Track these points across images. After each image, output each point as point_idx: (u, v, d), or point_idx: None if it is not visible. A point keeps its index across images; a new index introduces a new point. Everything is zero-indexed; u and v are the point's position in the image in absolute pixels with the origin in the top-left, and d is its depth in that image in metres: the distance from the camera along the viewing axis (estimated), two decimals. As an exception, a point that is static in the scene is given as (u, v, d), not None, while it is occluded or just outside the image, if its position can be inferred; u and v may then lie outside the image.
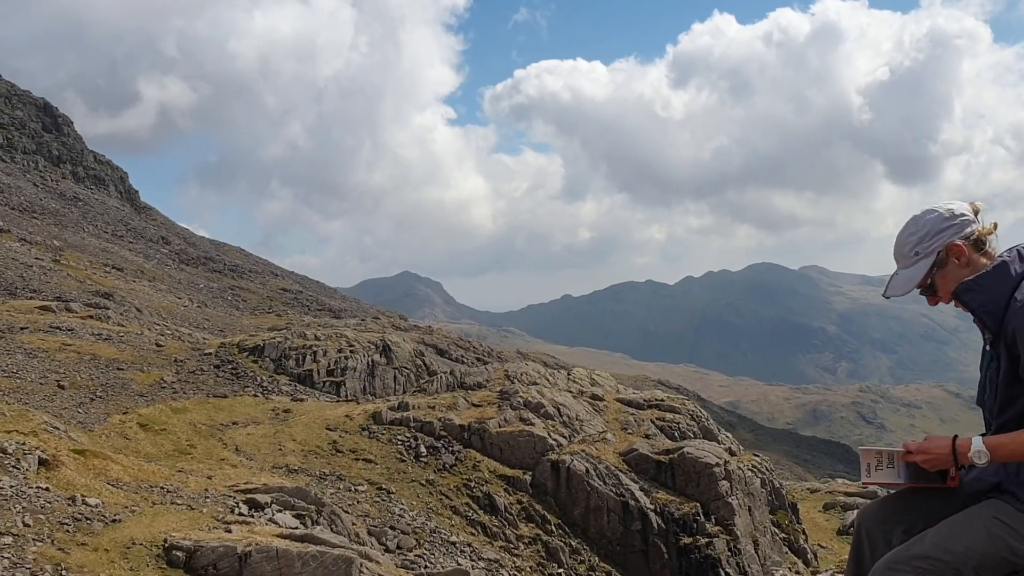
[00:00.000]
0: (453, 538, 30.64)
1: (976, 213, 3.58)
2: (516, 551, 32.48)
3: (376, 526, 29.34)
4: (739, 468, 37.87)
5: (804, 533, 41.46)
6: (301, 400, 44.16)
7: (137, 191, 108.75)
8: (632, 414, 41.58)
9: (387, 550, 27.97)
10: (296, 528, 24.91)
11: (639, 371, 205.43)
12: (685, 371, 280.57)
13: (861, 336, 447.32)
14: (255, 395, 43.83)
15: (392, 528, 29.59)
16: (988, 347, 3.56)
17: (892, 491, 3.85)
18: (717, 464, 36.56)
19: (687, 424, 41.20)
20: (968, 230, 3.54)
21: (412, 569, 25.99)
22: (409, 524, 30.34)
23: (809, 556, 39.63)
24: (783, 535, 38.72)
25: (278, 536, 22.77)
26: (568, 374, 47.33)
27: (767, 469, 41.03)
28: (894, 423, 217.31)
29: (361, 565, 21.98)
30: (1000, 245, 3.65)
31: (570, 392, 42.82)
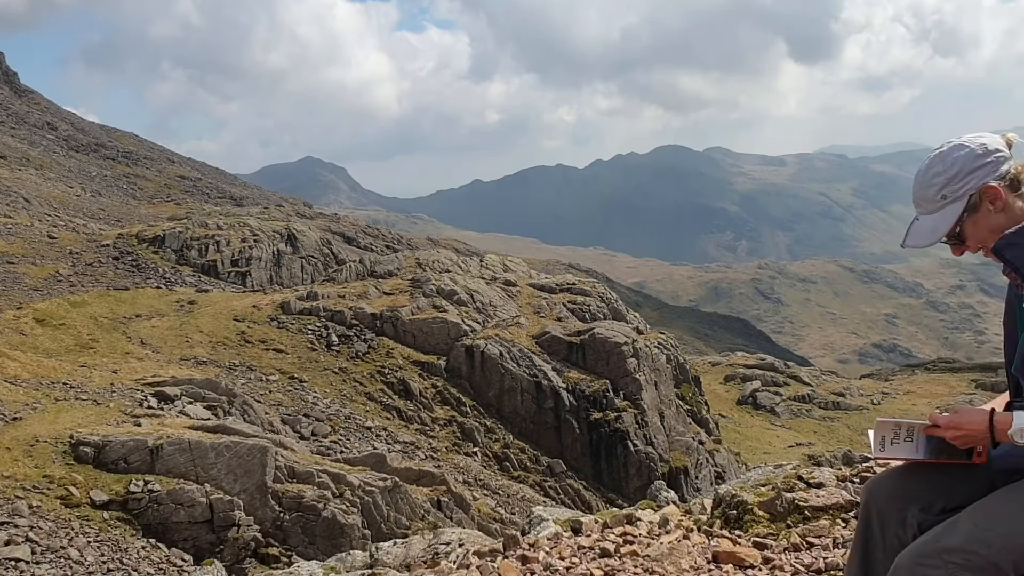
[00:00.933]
0: (368, 423, 30.92)
1: (1010, 146, 3.08)
2: (432, 433, 33.07)
3: (290, 414, 29.31)
4: (646, 346, 39.07)
5: (706, 404, 43.43)
6: (206, 291, 43.16)
7: (16, 73, 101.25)
8: (544, 298, 42.13)
9: (302, 437, 28.05)
10: (208, 419, 24.65)
11: (550, 255, 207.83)
12: (595, 254, 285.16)
13: (761, 215, 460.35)
14: (158, 287, 42.57)
15: (306, 416, 29.62)
16: None
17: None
18: (625, 343, 37.62)
19: (597, 306, 42.02)
20: (1004, 168, 3.01)
21: (328, 455, 26.18)
22: (323, 411, 30.42)
23: (711, 426, 41.65)
24: (687, 407, 40.45)
25: (190, 428, 22.49)
26: (481, 261, 47.40)
27: (672, 346, 42.46)
28: (790, 298, 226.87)
29: (276, 453, 21.96)
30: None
31: (483, 278, 42.97)
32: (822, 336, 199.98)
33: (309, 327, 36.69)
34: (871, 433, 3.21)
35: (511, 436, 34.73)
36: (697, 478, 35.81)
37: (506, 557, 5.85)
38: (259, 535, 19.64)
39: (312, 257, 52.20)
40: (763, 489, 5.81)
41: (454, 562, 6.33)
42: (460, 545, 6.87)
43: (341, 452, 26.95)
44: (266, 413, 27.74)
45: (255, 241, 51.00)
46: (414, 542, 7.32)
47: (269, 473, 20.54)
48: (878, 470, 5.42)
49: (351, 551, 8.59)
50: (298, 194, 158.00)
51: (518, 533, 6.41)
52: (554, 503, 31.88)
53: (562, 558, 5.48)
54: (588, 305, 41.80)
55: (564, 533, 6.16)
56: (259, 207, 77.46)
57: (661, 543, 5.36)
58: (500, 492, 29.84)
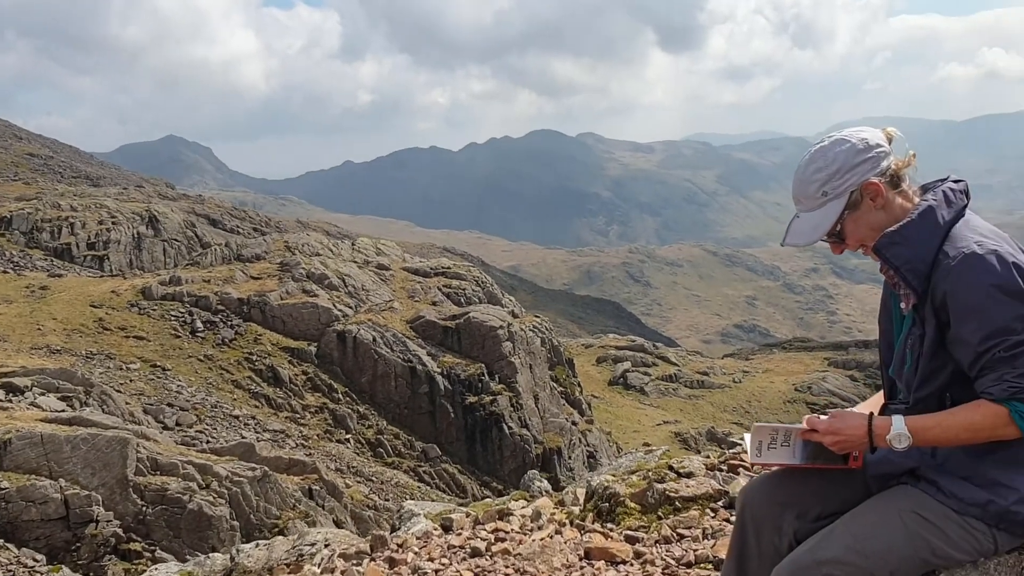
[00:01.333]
0: (236, 412, 30.01)
1: (890, 141, 2.99)
2: (302, 421, 32.41)
3: (152, 404, 28.11)
4: (521, 329, 39.48)
5: (579, 386, 44.32)
6: (59, 276, 40.83)
7: None
8: (419, 282, 41.89)
9: (166, 428, 26.98)
10: (63, 411, 23.31)
11: (424, 239, 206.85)
12: (469, 237, 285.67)
13: (631, 200, 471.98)
14: (4, 271, 39.97)
15: (170, 405, 28.47)
16: (909, 311, 2.94)
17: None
18: (501, 327, 37.89)
19: (472, 290, 42.12)
20: (884, 164, 2.92)
21: (194, 445, 25.27)
22: (188, 400, 29.31)
23: (584, 407, 42.54)
24: (561, 389, 41.17)
25: (42, 420, 21.22)
26: (352, 244, 46.65)
27: (546, 329, 43.07)
28: (659, 281, 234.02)
29: (138, 445, 21.02)
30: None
31: (355, 262, 42.31)
32: (688, 317, 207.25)
33: (172, 313, 35.26)
34: (747, 438, 3.12)
35: (385, 422, 34.46)
36: (570, 458, 36.54)
37: (373, 559, 5.71)
38: (120, 531, 18.81)
39: (175, 240, 50.11)
40: (635, 478, 5.82)
41: (318, 565, 6.14)
42: (326, 545, 6.65)
43: (207, 442, 26.08)
44: (126, 403, 26.51)
45: (113, 223, 48.52)
46: (277, 543, 7.04)
47: (130, 466, 19.67)
48: (746, 458, 5.59)
49: (210, 554, 8.28)
50: (160, 174, 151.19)
51: (386, 533, 6.23)
52: (429, 487, 31.89)
53: (431, 559, 5.38)
54: (463, 289, 41.85)
55: (434, 531, 6.04)
56: (117, 188, 73.71)
57: (533, 540, 5.29)
58: (374, 479, 29.59)
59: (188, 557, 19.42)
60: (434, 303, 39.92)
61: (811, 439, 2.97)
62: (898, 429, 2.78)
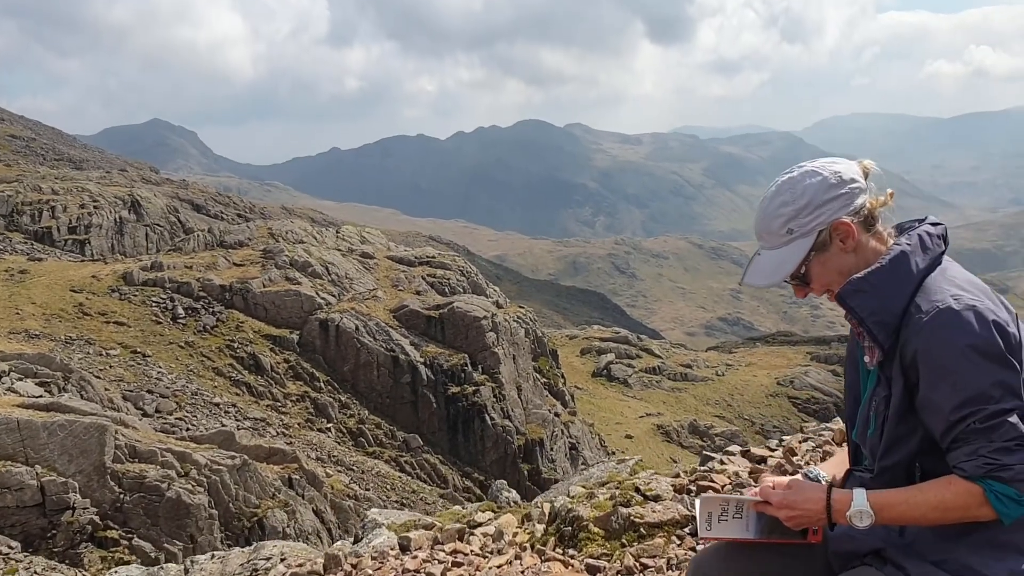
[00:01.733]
0: (216, 399, 29.82)
1: (866, 176, 2.65)
2: (284, 409, 32.25)
3: (132, 391, 27.89)
4: (505, 320, 39.41)
5: (563, 377, 44.33)
6: (39, 260, 40.40)
7: None
8: (403, 271, 41.72)
9: (145, 415, 26.78)
10: (40, 397, 23.07)
11: (410, 227, 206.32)
12: (456, 226, 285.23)
13: (618, 191, 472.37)
14: (-17, 255, 39.55)
15: (150, 392, 28.25)
16: (873, 367, 2.63)
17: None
18: (485, 317, 37.81)
19: (457, 279, 42.00)
20: (859, 202, 2.59)
21: (173, 433, 25.09)
22: (168, 387, 29.10)
23: (567, 398, 42.56)
24: (544, 380, 41.15)
25: (19, 406, 20.98)
26: (337, 232, 46.41)
27: (531, 320, 43.03)
28: (644, 272, 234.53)
29: (116, 432, 20.83)
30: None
31: (339, 250, 42.10)
32: (672, 310, 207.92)
33: (153, 299, 34.98)
34: (696, 507, 2.83)
35: (366, 411, 34.35)
36: (552, 449, 36.55)
37: None
38: (96, 518, 18.66)
39: (157, 225, 49.71)
40: (601, 497, 5.67)
41: None
42: (281, 560, 6.49)
43: (187, 430, 25.90)
44: (106, 389, 26.29)
45: (95, 207, 48.07)
46: (231, 557, 6.90)
47: (108, 453, 19.50)
48: (717, 480, 5.47)
49: (165, 564, 8.16)
50: (144, 158, 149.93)
51: (340, 552, 6.06)
52: (410, 477, 31.83)
53: None
54: (448, 279, 41.72)
55: (391, 551, 5.89)
56: (100, 171, 73.04)
57: (490, 568, 5.14)
58: (354, 468, 29.49)
59: (166, 546, 19.32)
60: (418, 292, 39.79)
61: (765, 511, 2.68)
62: (859, 505, 2.46)
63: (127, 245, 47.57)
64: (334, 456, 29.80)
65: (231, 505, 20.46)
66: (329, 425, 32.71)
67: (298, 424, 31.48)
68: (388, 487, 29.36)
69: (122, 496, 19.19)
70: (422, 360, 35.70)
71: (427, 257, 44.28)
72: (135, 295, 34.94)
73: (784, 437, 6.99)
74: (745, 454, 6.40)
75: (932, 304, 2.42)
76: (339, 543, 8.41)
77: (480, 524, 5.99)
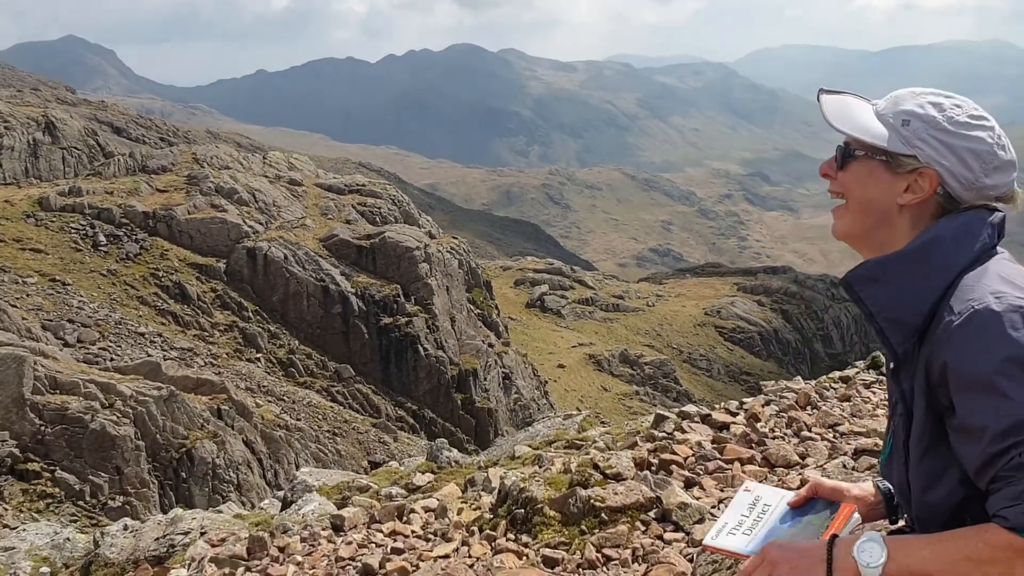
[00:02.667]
0: (142, 329, 29.10)
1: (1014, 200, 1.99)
2: (211, 339, 31.68)
3: (51, 320, 27.00)
4: (438, 251, 39.13)
5: (497, 308, 44.43)
6: (-53, 183, 38.46)
7: None
8: (332, 199, 40.93)
9: (66, 345, 26.01)
10: (-49, 328, 22.25)
11: (340, 153, 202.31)
12: (387, 153, 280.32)
13: (552, 121, 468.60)
14: None
15: (71, 322, 27.39)
16: (891, 377, 2.02)
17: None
18: (417, 247, 37.46)
19: (388, 209, 41.41)
20: (988, 181, 1.90)
21: (96, 363, 24.47)
22: (90, 317, 28.24)
23: (501, 329, 42.76)
24: (478, 311, 41.19)
25: (-72, 339, 20.20)
26: (264, 158, 45.16)
27: (464, 250, 42.81)
28: (578, 203, 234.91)
29: (35, 362, 20.19)
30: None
31: (266, 177, 41.01)
32: (605, 241, 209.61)
33: (72, 225, 33.72)
34: (727, 510, 2.13)
35: (297, 342, 34.00)
36: (486, 379, 36.83)
37: (248, 569, 5.14)
38: (16, 450, 18.21)
39: (75, 148, 47.54)
40: (554, 471, 5.26)
41: (187, 567, 5.56)
42: (202, 534, 6.01)
43: (111, 360, 25.28)
44: (23, 319, 25.39)
45: (6, 128, 45.62)
46: (146, 530, 6.42)
47: (27, 384, 18.95)
48: (680, 452, 5.11)
49: (71, 535, 7.81)
50: (59, 77, 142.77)
51: (266, 534, 5.55)
52: (342, 407, 31.76)
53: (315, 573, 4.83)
54: (379, 208, 41.12)
55: (323, 532, 5.40)
56: (11, 90, 69.43)
57: (436, 562, 4.65)
58: (285, 398, 29.28)
59: (91, 478, 18.97)
60: (348, 221, 39.16)
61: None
62: (870, 559, 1.77)
63: (42, 168, 45.46)
64: (264, 386, 29.51)
65: (158, 436, 20.16)
66: (259, 355, 32.31)
67: (226, 354, 31.01)
68: (320, 417, 29.26)
69: (43, 428, 18.74)
70: (353, 291, 35.34)
71: (357, 185, 43.49)
72: (52, 221, 33.62)
73: (745, 401, 6.67)
74: (706, 419, 6.09)
75: (966, 304, 1.81)
76: (266, 502, 8.05)
77: (419, 488, 5.68)
